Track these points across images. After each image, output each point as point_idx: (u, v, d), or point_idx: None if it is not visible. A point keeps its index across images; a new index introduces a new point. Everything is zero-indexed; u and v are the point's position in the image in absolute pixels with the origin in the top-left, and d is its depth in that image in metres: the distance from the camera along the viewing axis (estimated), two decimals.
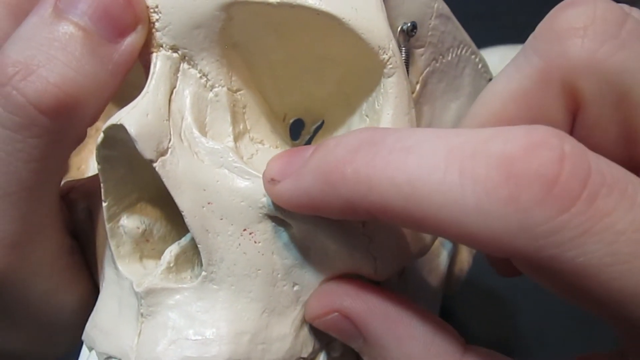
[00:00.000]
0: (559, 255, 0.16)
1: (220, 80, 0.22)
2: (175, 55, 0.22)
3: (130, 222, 0.22)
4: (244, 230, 0.21)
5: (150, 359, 0.20)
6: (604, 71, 0.19)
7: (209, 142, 0.21)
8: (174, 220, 0.23)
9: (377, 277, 0.22)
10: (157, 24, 0.21)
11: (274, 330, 0.21)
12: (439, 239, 0.27)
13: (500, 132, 0.17)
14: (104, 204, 0.21)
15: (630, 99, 0.19)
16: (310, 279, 0.22)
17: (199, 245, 0.21)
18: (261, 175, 0.21)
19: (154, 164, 0.20)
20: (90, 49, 0.20)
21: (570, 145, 0.16)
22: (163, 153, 0.20)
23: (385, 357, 0.21)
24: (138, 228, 0.22)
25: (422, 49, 0.25)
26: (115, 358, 0.21)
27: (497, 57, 0.35)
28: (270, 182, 0.20)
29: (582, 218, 0.16)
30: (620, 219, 0.16)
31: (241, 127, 0.23)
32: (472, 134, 0.17)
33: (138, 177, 0.22)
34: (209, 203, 0.21)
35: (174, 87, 0.22)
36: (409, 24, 0.23)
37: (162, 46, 0.21)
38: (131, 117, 0.20)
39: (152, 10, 0.21)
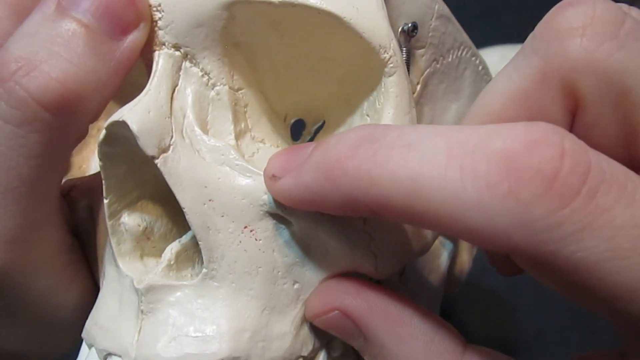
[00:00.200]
0: (559, 250, 0.16)
1: (222, 78, 0.22)
2: (177, 53, 0.22)
3: (131, 220, 0.22)
4: (245, 227, 0.21)
5: (150, 356, 0.20)
6: (603, 71, 0.19)
7: (211, 140, 0.22)
8: (175, 219, 0.23)
9: (378, 275, 0.22)
10: (159, 23, 0.21)
11: (274, 329, 0.21)
12: (440, 240, 0.27)
13: (500, 129, 0.17)
14: (105, 201, 0.21)
15: (629, 99, 0.19)
16: (310, 277, 0.22)
17: (199, 242, 0.21)
18: (262, 173, 0.21)
19: (156, 161, 0.20)
20: (93, 46, 0.20)
21: (571, 141, 0.16)
22: (165, 150, 0.20)
23: (386, 355, 0.21)
24: (139, 226, 0.22)
25: (422, 50, 0.25)
26: (115, 355, 0.21)
27: (497, 57, 0.35)
28: (271, 178, 0.20)
29: (581, 213, 0.16)
30: (620, 214, 0.16)
31: (242, 125, 0.23)
32: (473, 131, 0.17)
33: (139, 175, 0.22)
34: (210, 200, 0.21)
35: (176, 85, 0.22)
36: (409, 25, 0.23)
37: (164, 44, 0.22)
38: (133, 113, 0.20)
39: (154, 8, 0.21)
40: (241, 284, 0.21)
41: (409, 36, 0.24)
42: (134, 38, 0.21)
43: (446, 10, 0.25)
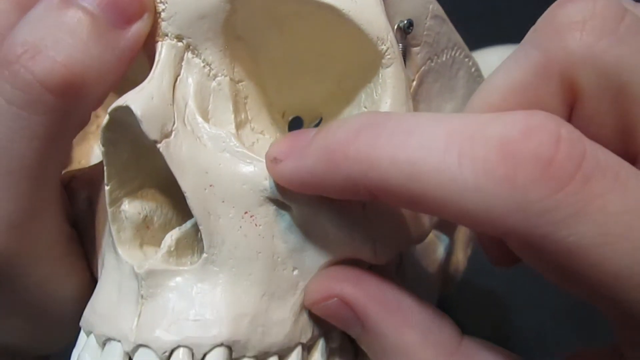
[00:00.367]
0: (553, 233, 0.16)
1: (223, 70, 0.23)
2: (180, 44, 0.22)
3: (132, 208, 0.22)
4: (245, 213, 0.21)
5: (150, 340, 0.20)
6: (602, 65, 0.19)
7: (212, 128, 0.22)
8: (175, 210, 0.24)
9: (376, 260, 0.22)
10: (163, 14, 0.22)
11: (273, 314, 0.21)
12: (436, 234, 0.27)
13: (499, 117, 0.17)
14: (107, 188, 0.22)
15: (627, 94, 0.20)
16: (309, 263, 0.22)
17: (200, 227, 0.21)
18: (263, 160, 0.21)
19: (158, 145, 0.20)
20: (98, 34, 0.21)
21: (567, 129, 0.17)
22: (167, 135, 0.21)
23: (384, 344, 0.21)
24: (139, 214, 0.22)
25: (418, 48, 0.25)
26: (114, 340, 0.21)
27: (497, 57, 0.35)
28: (272, 161, 0.20)
29: (575, 198, 0.16)
30: (612, 201, 0.16)
31: (242, 116, 0.23)
32: (472, 118, 0.18)
33: (141, 164, 0.22)
34: (210, 186, 0.21)
35: (178, 75, 0.22)
36: (405, 21, 0.24)
37: (167, 35, 0.22)
38: (137, 99, 0.20)
39: (158, 0, 0.22)
40: (241, 269, 0.21)
41: (405, 33, 0.24)
42: (138, 28, 0.21)
43: (441, 11, 0.26)
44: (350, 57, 0.24)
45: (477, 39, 0.28)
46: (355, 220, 0.22)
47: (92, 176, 0.24)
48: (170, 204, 0.24)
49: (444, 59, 0.27)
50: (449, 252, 0.28)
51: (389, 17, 0.23)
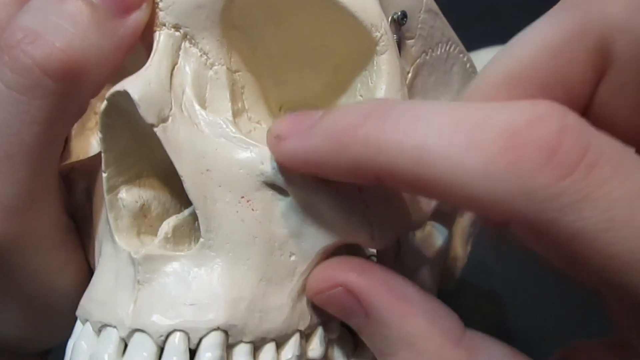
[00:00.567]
0: (559, 218, 0.16)
1: (220, 59, 0.23)
2: (177, 33, 0.23)
3: (129, 196, 0.22)
4: (242, 197, 0.21)
5: (145, 325, 0.20)
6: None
7: (209, 115, 0.22)
8: (172, 200, 0.24)
9: (374, 245, 0.22)
10: (160, 4, 0.22)
11: (271, 300, 0.21)
12: (435, 226, 0.27)
13: (506, 105, 0.18)
14: (104, 175, 0.22)
15: None
16: (307, 248, 0.22)
17: (197, 212, 0.21)
18: (260, 145, 0.21)
19: (155, 129, 0.21)
20: (97, 22, 0.21)
21: (572, 119, 0.17)
22: (164, 120, 0.21)
23: (387, 334, 0.21)
24: (137, 202, 0.23)
25: (412, 40, 0.26)
26: (110, 326, 0.21)
27: None
28: (275, 138, 0.20)
29: (580, 185, 0.16)
30: (616, 188, 0.16)
31: (239, 105, 0.24)
32: (479, 106, 0.18)
33: (139, 152, 0.23)
34: (207, 170, 0.21)
35: (176, 64, 0.22)
36: (399, 13, 0.25)
37: (165, 25, 0.22)
38: (134, 84, 0.21)
39: None
40: (238, 253, 0.21)
41: (399, 25, 0.25)
42: (137, 17, 0.22)
43: (434, 5, 0.27)
44: (346, 47, 0.24)
45: (477, 39, 0.28)
46: (351, 203, 0.22)
47: (91, 167, 0.24)
48: (168, 194, 0.24)
49: (438, 53, 0.27)
50: (448, 244, 0.28)
51: (383, 9, 0.24)
